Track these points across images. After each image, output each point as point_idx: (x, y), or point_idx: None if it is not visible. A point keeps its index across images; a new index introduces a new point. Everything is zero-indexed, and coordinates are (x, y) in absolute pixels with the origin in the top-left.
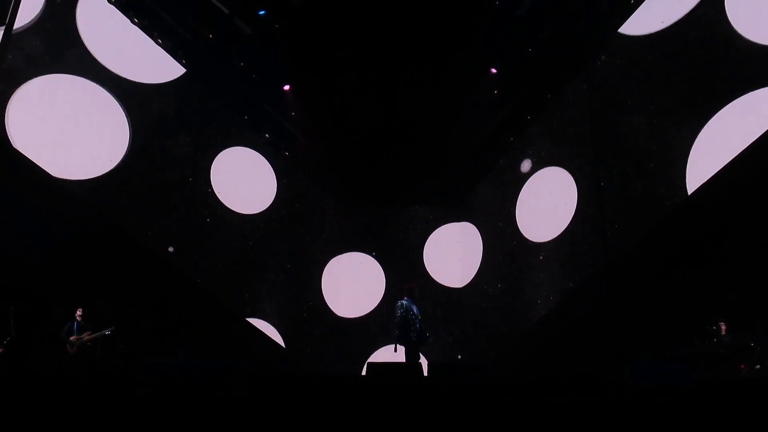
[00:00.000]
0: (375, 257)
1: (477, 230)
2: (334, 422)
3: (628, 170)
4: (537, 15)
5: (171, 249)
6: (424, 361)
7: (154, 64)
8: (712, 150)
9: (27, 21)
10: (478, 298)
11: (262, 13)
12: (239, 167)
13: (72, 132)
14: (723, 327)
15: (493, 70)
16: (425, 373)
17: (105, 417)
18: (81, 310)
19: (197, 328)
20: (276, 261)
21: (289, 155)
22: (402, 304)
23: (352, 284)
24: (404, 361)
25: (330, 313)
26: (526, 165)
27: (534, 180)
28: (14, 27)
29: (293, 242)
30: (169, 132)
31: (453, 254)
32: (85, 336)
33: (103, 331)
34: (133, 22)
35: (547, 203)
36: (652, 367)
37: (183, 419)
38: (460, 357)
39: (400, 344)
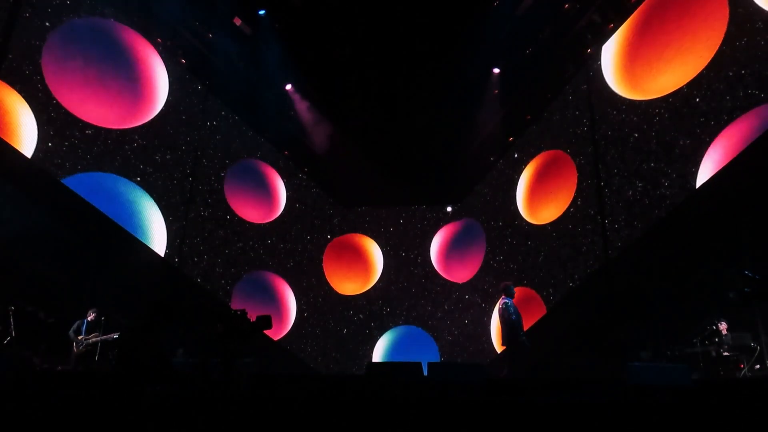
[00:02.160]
0: (376, 251)
1: (479, 228)
2: (334, 422)
3: (628, 170)
4: (537, 15)
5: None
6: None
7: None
8: (714, 149)
9: None
10: (478, 296)
11: (262, 13)
12: (248, 176)
13: None
14: (723, 327)
15: (495, 70)
16: (425, 373)
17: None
18: (94, 312)
19: (197, 328)
20: (276, 260)
21: (289, 155)
22: (507, 303)
23: (352, 271)
24: (507, 362)
25: (330, 308)
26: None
27: (534, 179)
28: None
29: (293, 241)
30: (170, 137)
31: (454, 254)
32: (92, 337)
33: (111, 335)
34: (132, 21)
35: (547, 202)
36: (651, 367)
37: (182, 418)
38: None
39: (508, 345)
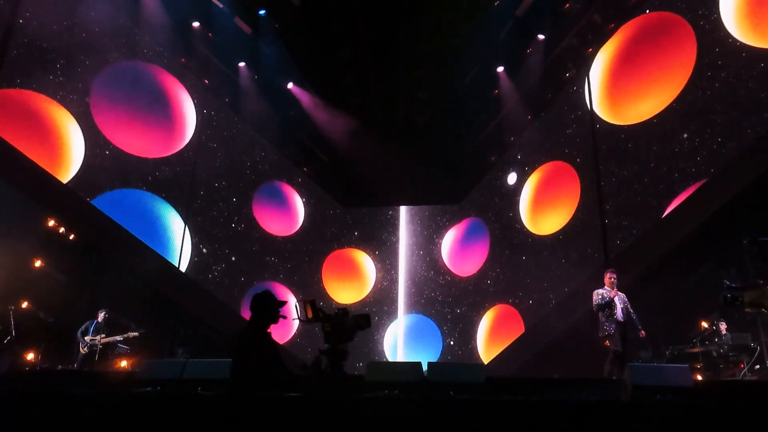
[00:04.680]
0: (372, 253)
1: (481, 227)
2: (334, 422)
3: (628, 170)
4: (537, 15)
5: (205, 250)
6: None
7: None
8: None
9: None
10: (478, 296)
11: (262, 13)
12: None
13: None
14: (723, 327)
15: (497, 70)
16: (425, 373)
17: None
18: (104, 312)
19: (197, 328)
20: (276, 260)
21: (288, 154)
22: (597, 292)
23: (350, 278)
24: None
25: (330, 308)
26: (512, 178)
27: (534, 179)
28: None
29: (293, 241)
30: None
31: (454, 252)
32: (99, 338)
33: (116, 338)
34: (133, 20)
35: (547, 202)
36: (651, 367)
37: (181, 418)
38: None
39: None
